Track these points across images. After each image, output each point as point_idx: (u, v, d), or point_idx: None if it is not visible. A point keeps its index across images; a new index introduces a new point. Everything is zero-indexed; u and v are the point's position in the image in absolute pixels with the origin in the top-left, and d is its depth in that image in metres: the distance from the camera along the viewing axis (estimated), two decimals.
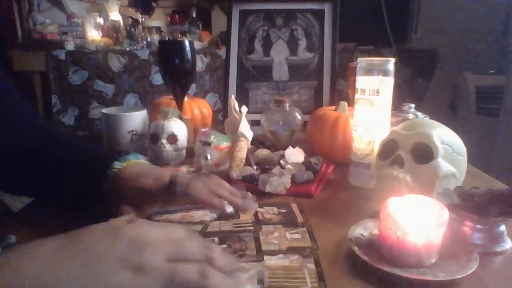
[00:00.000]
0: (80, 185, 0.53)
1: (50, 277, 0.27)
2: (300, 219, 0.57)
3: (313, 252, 0.48)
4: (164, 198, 0.52)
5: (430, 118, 0.76)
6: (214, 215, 0.57)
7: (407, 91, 2.18)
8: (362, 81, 0.68)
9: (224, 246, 0.47)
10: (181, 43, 0.84)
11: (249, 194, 0.58)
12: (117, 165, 0.53)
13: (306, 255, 0.47)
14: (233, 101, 0.85)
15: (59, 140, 0.61)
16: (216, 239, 0.50)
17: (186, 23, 2.52)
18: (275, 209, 0.60)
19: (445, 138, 0.57)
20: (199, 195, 0.51)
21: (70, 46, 2.11)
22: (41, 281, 0.27)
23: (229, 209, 0.47)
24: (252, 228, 0.54)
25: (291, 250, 0.48)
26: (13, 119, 0.58)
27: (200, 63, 2.16)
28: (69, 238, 0.31)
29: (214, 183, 0.54)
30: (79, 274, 0.28)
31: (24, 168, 0.56)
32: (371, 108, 0.67)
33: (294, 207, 0.61)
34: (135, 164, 0.55)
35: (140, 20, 2.54)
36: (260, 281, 0.41)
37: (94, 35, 2.26)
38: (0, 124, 0.56)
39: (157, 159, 0.79)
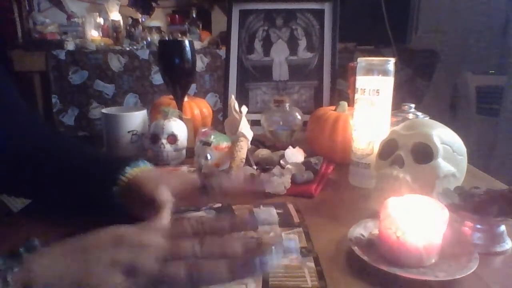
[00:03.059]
0: (87, 191, 0.53)
1: (55, 277, 0.30)
2: (296, 219, 0.57)
3: (308, 253, 0.48)
4: (194, 197, 0.54)
5: (430, 118, 0.76)
6: (211, 215, 0.57)
7: (407, 91, 2.18)
8: (362, 81, 0.68)
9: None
10: (181, 43, 0.84)
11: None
12: (129, 170, 0.52)
13: (305, 254, 0.47)
14: (233, 101, 0.85)
15: (62, 144, 0.60)
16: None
17: (186, 23, 2.53)
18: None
19: (445, 138, 0.57)
20: (237, 185, 0.56)
21: (70, 46, 2.11)
22: (46, 281, 0.29)
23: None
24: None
25: None
26: (12, 119, 0.57)
27: (200, 63, 2.16)
28: (75, 242, 0.33)
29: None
30: (76, 276, 0.30)
31: (23, 170, 0.55)
32: (371, 108, 0.67)
33: (291, 207, 0.61)
34: (147, 169, 0.55)
35: (140, 20, 2.54)
36: (265, 282, 0.41)
37: (94, 35, 2.26)
38: None
39: (157, 159, 0.79)
